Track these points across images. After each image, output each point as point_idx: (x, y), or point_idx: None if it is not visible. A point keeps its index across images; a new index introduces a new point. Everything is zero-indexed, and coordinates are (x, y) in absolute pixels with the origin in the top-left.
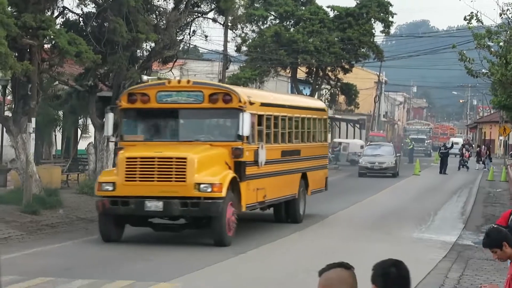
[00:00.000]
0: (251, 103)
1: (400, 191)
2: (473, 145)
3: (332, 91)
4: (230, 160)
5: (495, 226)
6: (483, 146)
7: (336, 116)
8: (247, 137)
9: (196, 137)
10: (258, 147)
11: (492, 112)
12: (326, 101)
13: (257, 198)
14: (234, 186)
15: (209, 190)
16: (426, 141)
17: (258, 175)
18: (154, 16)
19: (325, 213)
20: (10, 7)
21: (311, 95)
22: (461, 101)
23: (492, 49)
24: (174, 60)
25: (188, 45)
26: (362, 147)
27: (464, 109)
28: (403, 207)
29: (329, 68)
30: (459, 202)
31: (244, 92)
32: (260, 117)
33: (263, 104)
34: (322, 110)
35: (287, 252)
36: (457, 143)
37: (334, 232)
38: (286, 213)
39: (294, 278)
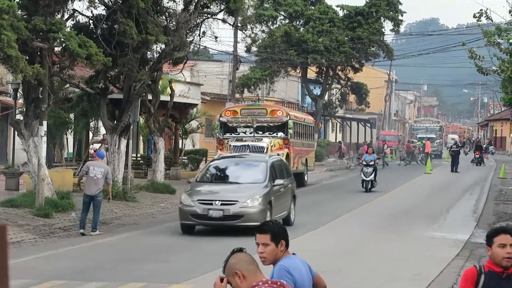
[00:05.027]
0: None
1: (412, 190)
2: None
3: (342, 90)
4: None
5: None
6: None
7: (347, 115)
8: None
9: None
10: None
11: (503, 109)
12: (337, 100)
13: None
14: None
15: None
16: (436, 141)
17: None
18: (164, 17)
19: (336, 212)
20: (20, 10)
21: (322, 94)
22: (471, 99)
23: (502, 46)
24: (184, 61)
25: (198, 46)
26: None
27: (475, 107)
28: (415, 206)
29: (339, 68)
30: (471, 200)
31: None
32: None
33: None
34: None
35: (300, 253)
36: (453, 139)
37: (346, 232)
38: None
39: None
